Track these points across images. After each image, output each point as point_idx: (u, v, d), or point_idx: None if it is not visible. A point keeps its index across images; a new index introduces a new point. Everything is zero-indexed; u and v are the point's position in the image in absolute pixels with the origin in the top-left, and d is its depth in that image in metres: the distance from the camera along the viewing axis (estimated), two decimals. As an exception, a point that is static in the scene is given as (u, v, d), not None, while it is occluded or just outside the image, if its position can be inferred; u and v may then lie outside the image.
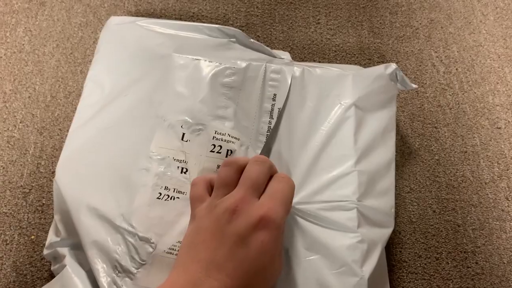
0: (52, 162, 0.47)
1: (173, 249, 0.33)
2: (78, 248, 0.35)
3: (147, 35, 0.46)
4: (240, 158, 0.32)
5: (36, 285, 0.41)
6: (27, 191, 0.45)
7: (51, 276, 0.41)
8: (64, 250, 0.35)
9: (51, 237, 0.37)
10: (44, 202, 0.45)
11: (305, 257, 0.34)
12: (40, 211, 0.44)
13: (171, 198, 0.35)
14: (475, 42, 0.58)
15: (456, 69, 0.56)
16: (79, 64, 0.52)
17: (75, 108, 0.44)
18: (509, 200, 0.49)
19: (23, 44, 0.53)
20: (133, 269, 0.33)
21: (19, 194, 0.45)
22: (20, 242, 0.43)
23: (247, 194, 0.29)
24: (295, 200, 0.36)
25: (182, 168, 0.37)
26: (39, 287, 0.41)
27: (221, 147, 0.37)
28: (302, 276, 0.33)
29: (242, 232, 0.27)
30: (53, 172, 0.46)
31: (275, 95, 0.41)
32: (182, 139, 0.38)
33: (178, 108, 0.39)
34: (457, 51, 0.57)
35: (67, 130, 0.43)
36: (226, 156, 0.37)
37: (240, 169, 0.31)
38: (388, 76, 0.44)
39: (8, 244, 0.43)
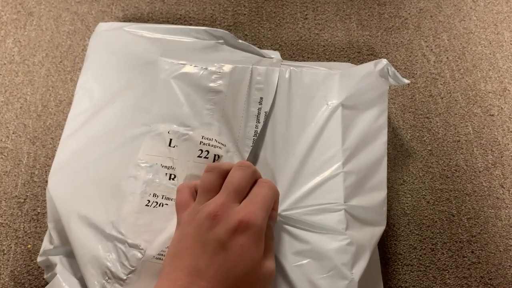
0: (46, 171, 0.47)
1: (162, 254, 0.34)
2: (71, 256, 0.36)
3: (134, 40, 0.46)
4: (224, 164, 0.32)
5: (35, 294, 0.42)
6: (22, 200, 0.46)
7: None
8: (56, 259, 0.36)
9: (45, 245, 0.38)
10: (39, 211, 0.45)
11: (294, 262, 0.34)
12: (36, 220, 0.45)
13: (159, 205, 0.36)
14: (465, 30, 0.57)
15: (447, 58, 0.55)
16: (68, 72, 0.53)
17: (66, 117, 0.44)
18: (503, 188, 0.49)
19: (13, 55, 0.53)
20: (123, 275, 0.33)
21: (14, 204, 0.46)
22: (17, 252, 0.44)
23: (228, 199, 0.29)
24: (282, 206, 0.36)
25: (170, 175, 0.37)
26: (38, 295, 0.42)
27: (208, 152, 0.37)
28: (292, 282, 0.34)
29: (222, 237, 0.28)
30: (47, 181, 0.46)
31: (261, 98, 0.40)
32: (170, 145, 0.38)
33: (165, 114, 0.39)
34: (448, 40, 0.57)
35: (59, 139, 0.44)
36: (214, 161, 0.37)
37: (223, 175, 0.31)
38: (378, 72, 0.43)
39: (5, 254, 0.44)
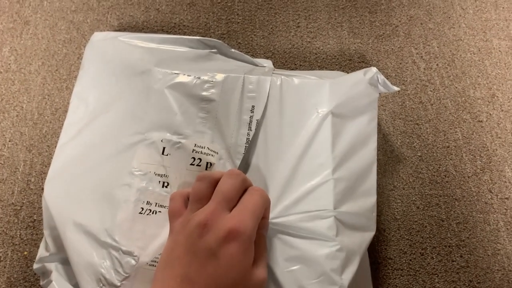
0: (42, 179, 0.48)
1: (155, 261, 0.34)
2: (65, 263, 0.37)
3: (129, 50, 0.47)
4: (215, 173, 0.33)
5: (31, 300, 0.43)
6: (19, 208, 0.47)
7: (45, 290, 0.42)
8: (52, 266, 0.36)
9: (41, 252, 0.38)
10: (35, 218, 0.46)
11: (285, 268, 0.35)
12: (32, 227, 0.46)
13: (152, 212, 0.36)
14: (455, 37, 0.58)
15: (437, 65, 0.56)
16: (64, 81, 0.53)
17: (62, 125, 0.45)
18: (492, 193, 0.50)
19: (9, 64, 0.54)
20: (117, 282, 0.34)
21: (10, 211, 0.46)
22: (13, 259, 0.44)
23: (218, 207, 0.30)
24: (273, 214, 0.37)
25: (164, 183, 0.38)
26: (34, 301, 0.42)
27: (200, 160, 0.38)
28: (285, 287, 0.34)
29: (212, 245, 0.28)
30: (43, 189, 0.47)
31: (253, 106, 0.41)
32: (163, 153, 0.39)
33: (158, 123, 0.40)
34: (437, 47, 0.58)
35: (55, 147, 0.45)
36: (206, 169, 0.38)
37: (214, 183, 0.32)
38: (367, 81, 0.44)
39: (1, 261, 0.44)
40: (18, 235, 0.45)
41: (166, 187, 0.37)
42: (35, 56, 0.55)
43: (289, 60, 0.56)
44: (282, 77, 0.43)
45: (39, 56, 0.55)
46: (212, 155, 0.39)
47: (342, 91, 0.42)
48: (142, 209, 0.36)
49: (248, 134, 0.40)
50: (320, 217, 0.36)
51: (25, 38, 0.56)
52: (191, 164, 0.38)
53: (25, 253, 0.45)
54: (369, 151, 0.42)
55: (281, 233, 0.36)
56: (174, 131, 0.40)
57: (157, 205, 0.37)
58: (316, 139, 0.40)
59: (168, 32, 0.57)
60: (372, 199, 0.41)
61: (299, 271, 0.35)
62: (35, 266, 0.38)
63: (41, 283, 0.38)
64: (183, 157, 0.38)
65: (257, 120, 0.41)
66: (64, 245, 0.36)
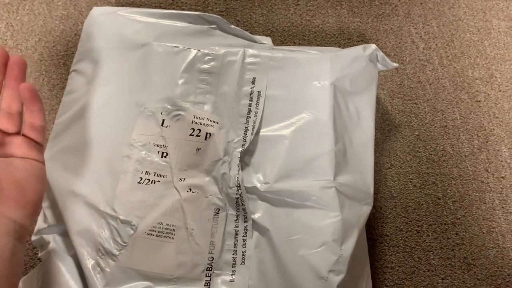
0: (40, 154, 0.48)
1: (153, 230, 0.35)
2: (63, 234, 0.37)
3: (128, 24, 0.46)
4: None
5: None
6: (17, 183, 0.47)
7: (44, 263, 0.43)
8: (50, 237, 0.37)
9: (39, 225, 0.38)
10: (33, 193, 0.46)
11: (286, 237, 0.35)
12: (30, 202, 0.46)
13: (151, 182, 0.37)
14: (454, 17, 0.58)
15: (436, 45, 0.56)
16: (61, 57, 0.53)
17: (60, 101, 0.44)
18: (488, 172, 0.50)
19: (6, 40, 0.54)
20: (116, 251, 0.34)
21: (8, 186, 0.46)
22: (12, 232, 0.44)
23: None
24: (274, 180, 0.37)
25: (163, 153, 0.38)
26: (33, 275, 0.43)
27: (200, 130, 0.38)
28: (284, 256, 0.35)
29: None
30: (41, 164, 0.47)
31: (254, 78, 0.41)
32: (162, 125, 0.39)
33: (157, 95, 0.40)
34: (437, 27, 0.57)
35: (53, 123, 0.44)
36: (205, 139, 0.38)
37: None
38: (367, 57, 0.44)
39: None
40: (16, 210, 0.45)
41: (165, 157, 0.38)
42: (31, 32, 0.54)
43: (288, 38, 0.55)
44: (283, 50, 0.43)
45: (36, 32, 0.54)
46: (211, 126, 0.39)
47: (342, 65, 0.42)
48: (141, 179, 0.37)
49: (249, 104, 0.40)
50: (321, 186, 0.36)
51: (21, 14, 0.55)
52: (190, 135, 0.38)
53: (23, 227, 0.45)
54: (368, 127, 0.42)
55: (281, 202, 0.37)
56: (173, 103, 0.40)
57: (156, 174, 0.37)
58: (317, 111, 0.40)
59: (166, 9, 0.56)
60: (370, 173, 0.41)
61: (299, 241, 0.35)
62: (33, 238, 0.39)
63: (40, 254, 0.38)
64: (182, 128, 0.38)
65: (258, 91, 0.41)
66: (63, 216, 0.36)
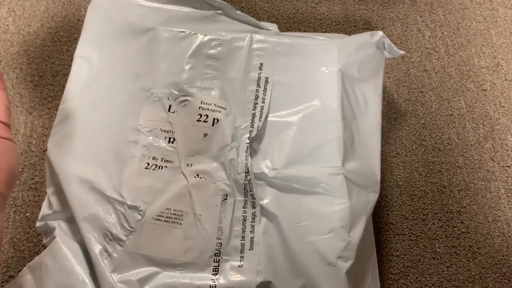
0: (43, 141, 0.47)
1: (161, 216, 0.34)
2: (69, 221, 0.36)
3: (133, 9, 0.46)
4: None
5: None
6: (20, 170, 0.46)
7: (48, 250, 0.42)
8: (55, 223, 0.36)
9: (44, 211, 0.38)
10: (37, 180, 0.46)
11: (295, 223, 0.35)
12: (34, 189, 0.45)
13: (158, 167, 0.36)
14: (460, 5, 0.58)
15: (442, 33, 0.56)
16: (65, 43, 0.52)
17: (63, 87, 0.44)
18: (494, 161, 0.50)
19: (8, 25, 0.53)
20: (123, 236, 0.34)
21: (12, 173, 0.46)
22: (16, 220, 0.44)
23: None
24: (283, 165, 0.37)
25: (170, 138, 0.37)
26: (37, 261, 0.42)
27: (207, 116, 0.38)
28: (292, 242, 0.34)
29: None
30: (44, 151, 0.47)
31: (261, 64, 0.41)
32: (169, 110, 0.39)
33: (164, 80, 0.40)
34: (443, 15, 0.57)
35: (56, 109, 0.44)
36: (213, 125, 0.38)
37: None
38: (374, 44, 0.44)
39: (4, 222, 0.44)
40: (20, 197, 0.45)
41: (172, 142, 0.37)
42: (34, 18, 0.54)
43: (293, 26, 0.55)
44: (290, 36, 0.42)
45: (38, 18, 0.54)
46: (219, 111, 0.38)
47: (350, 51, 0.42)
48: (148, 164, 0.36)
49: (256, 90, 0.40)
50: (329, 173, 0.36)
51: (23, -1, 0.54)
52: (198, 121, 0.38)
53: (28, 214, 0.44)
54: (375, 115, 0.42)
55: (290, 188, 0.36)
56: (180, 88, 0.39)
57: (163, 160, 0.36)
58: (325, 97, 0.40)
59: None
60: (377, 161, 0.41)
61: (307, 227, 0.35)
62: (38, 224, 0.38)
63: (44, 241, 0.37)
64: (189, 113, 0.38)
65: (265, 77, 0.40)
66: (69, 202, 0.36)
